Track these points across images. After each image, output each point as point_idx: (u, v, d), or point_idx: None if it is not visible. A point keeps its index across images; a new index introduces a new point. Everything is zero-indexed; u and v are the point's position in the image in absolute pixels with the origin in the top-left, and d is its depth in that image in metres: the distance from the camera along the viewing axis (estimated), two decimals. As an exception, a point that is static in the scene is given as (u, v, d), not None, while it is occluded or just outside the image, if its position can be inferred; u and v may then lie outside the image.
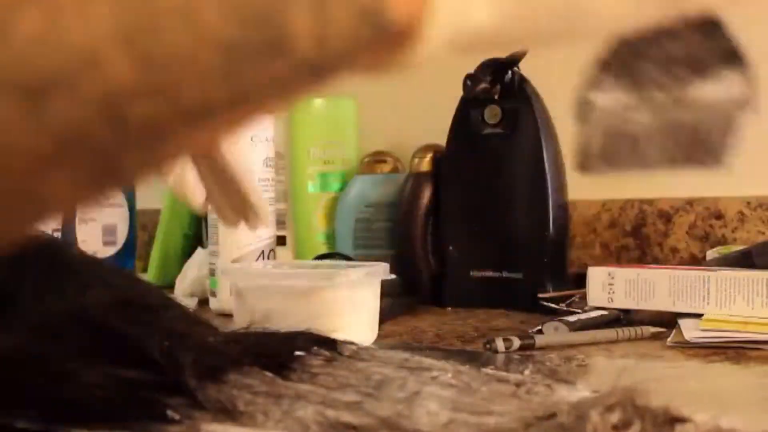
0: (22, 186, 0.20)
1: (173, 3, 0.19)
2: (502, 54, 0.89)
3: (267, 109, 0.23)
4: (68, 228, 0.94)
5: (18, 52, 0.18)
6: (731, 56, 0.26)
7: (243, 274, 0.66)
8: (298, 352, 0.51)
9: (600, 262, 1.01)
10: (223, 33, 0.20)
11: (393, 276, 0.67)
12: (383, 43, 0.22)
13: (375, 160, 1.05)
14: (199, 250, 1.01)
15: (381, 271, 0.66)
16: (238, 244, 0.87)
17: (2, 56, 0.18)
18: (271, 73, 0.21)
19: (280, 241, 1.00)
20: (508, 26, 0.24)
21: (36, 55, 0.18)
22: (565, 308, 0.79)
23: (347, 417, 0.39)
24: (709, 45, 0.26)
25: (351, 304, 0.63)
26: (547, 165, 0.88)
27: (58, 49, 0.18)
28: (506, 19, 0.23)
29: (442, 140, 0.95)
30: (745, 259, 0.77)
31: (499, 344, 0.61)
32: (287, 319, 0.56)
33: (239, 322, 0.61)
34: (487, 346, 0.61)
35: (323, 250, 1.02)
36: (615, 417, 0.34)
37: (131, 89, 0.19)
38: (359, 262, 0.70)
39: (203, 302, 0.92)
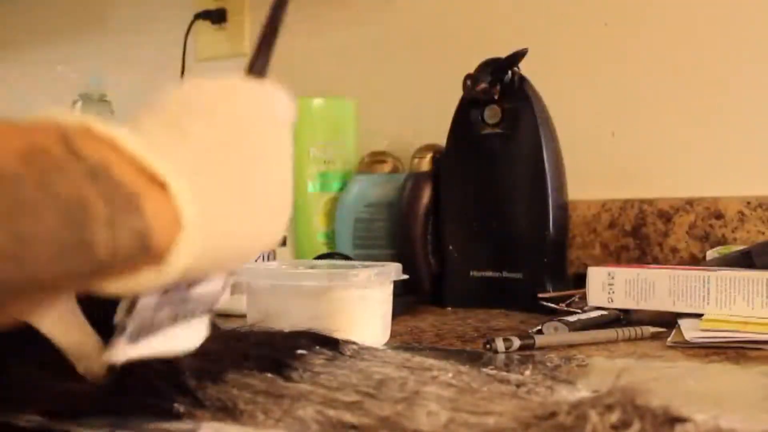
0: None
1: (29, 199, 0.28)
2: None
3: (63, 292, 0.34)
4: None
5: None
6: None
7: (256, 274, 0.66)
8: (300, 351, 0.51)
9: (600, 262, 1.02)
10: (54, 228, 0.29)
11: (406, 276, 0.67)
12: (148, 256, 0.33)
13: (375, 160, 1.05)
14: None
15: (393, 271, 0.66)
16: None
17: None
18: (78, 265, 0.30)
19: (280, 241, 1.00)
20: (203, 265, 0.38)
21: None
22: (565, 308, 0.79)
23: (347, 417, 0.39)
24: None
25: (363, 305, 0.63)
26: (547, 165, 0.88)
27: None
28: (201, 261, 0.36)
29: (442, 140, 0.95)
30: (745, 259, 0.77)
31: (499, 344, 0.61)
32: (299, 319, 0.57)
33: (251, 322, 0.61)
34: (487, 346, 0.61)
35: (323, 249, 1.02)
36: (614, 417, 0.34)
37: (3, 254, 0.27)
38: (372, 263, 0.70)
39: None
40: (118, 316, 0.38)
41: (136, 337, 0.38)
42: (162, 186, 0.33)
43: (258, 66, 0.46)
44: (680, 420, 0.35)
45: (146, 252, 0.33)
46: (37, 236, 0.28)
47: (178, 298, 0.40)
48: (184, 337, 0.41)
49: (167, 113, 0.38)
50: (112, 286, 0.34)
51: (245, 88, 0.43)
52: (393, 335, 0.68)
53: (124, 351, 0.38)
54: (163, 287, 0.38)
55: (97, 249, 0.31)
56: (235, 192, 0.38)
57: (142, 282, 0.34)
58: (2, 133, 0.30)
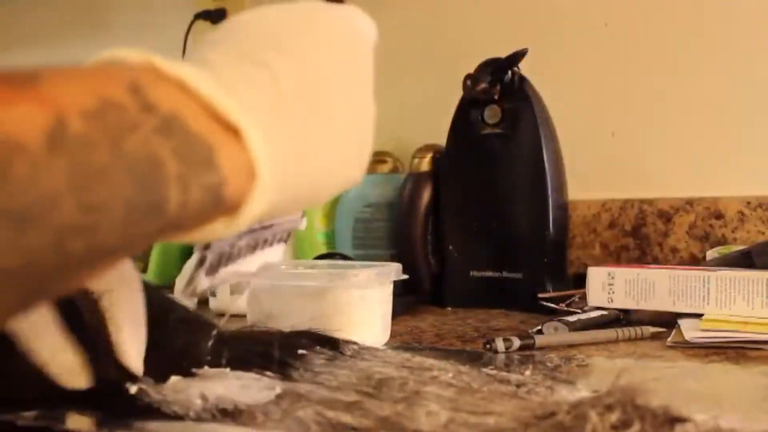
0: None
1: (101, 165, 0.26)
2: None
3: (130, 253, 0.31)
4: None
5: (11, 187, 0.24)
6: None
7: (257, 274, 0.66)
8: (300, 351, 0.51)
9: (600, 262, 1.02)
10: (128, 192, 0.27)
11: (406, 276, 0.67)
12: (222, 209, 0.32)
13: (375, 160, 1.05)
14: (199, 250, 1.01)
15: (393, 271, 0.66)
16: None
17: (4, 193, 0.24)
18: (150, 226, 0.29)
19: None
20: (281, 208, 0.36)
21: (22, 191, 0.24)
22: (565, 308, 0.79)
23: (347, 417, 0.39)
24: None
25: (363, 305, 0.63)
26: (547, 165, 0.88)
27: (33, 190, 0.24)
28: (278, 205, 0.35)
29: (442, 140, 0.95)
30: (745, 259, 0.77)
31: (499, 344, 0.61)
32: (300, 319, 0.56)
33: (252, 322, 0.61)
34: (487, 346, 0.61)
35: (323, 250, 1.02)
36: (614, 417, 0.34)
37: (75, 229, 0.26)
38: (372, 263, 0.70)
39: (203, 302, 0.92)
40: (197, 248, 0.37)
41: (215, 267, 0.38)
42: (236, 132, 0.32)
43: None
44: (680, 420, 0.35)
45: (219, 206, 0.31)
46: (109, 204, 0.26)
47: (256, 227, 0.40)
48: (256, 262, 0.41)
49: (240, 45, 0.35)
50: (183, 238, 0.32)
51: (324, 11, 0.40)
52: (393, 335, 0.68)
53: (203, 282, 0.37)
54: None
55: (170, 208, 0.29)
56: (316, 128, 0.36)
57: (214, 233, 0.33)
58: (70, 87, 0.27)
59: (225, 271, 0.39)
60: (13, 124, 0.24)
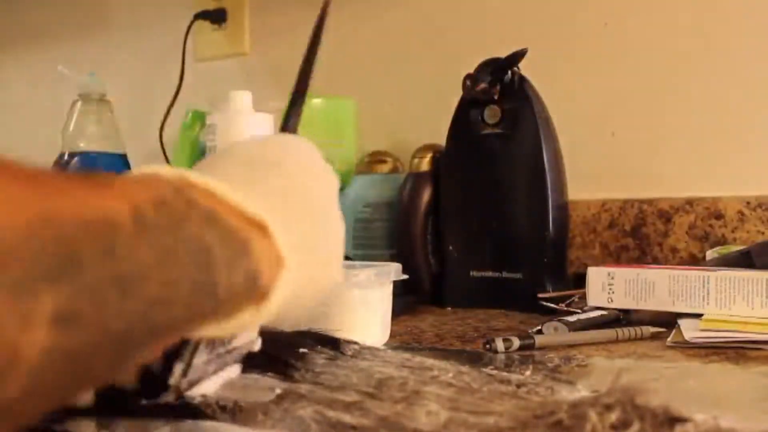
0: (99, 362, 0.28)
1: (172, 248, 0.30)
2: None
3: (186, 334, 0.35)
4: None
5: (118, 256, 0.27)
6: None
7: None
8: (301, 350, 0.51)
9: (600, 262, 1.02)
10: (191, 272, 0.31)
11: (406, 276, 0.67)
12: (255, 296, 0.36)
13: (375, 160, 1.05)
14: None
15: (393, 271, 0.66)
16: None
17: (116, 259, 0.27)
18: (206, 305, 0.33)
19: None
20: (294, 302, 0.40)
21: (125, 260, 0.28)
22: (565, 308, 0.79)
23: (347, 417, 0.39)
24: None
25: (363, 305, 0.63)
26: (546, 165, 0.88)
27: (132, 261, 0.28)
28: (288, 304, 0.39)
29: (441, 140, 0.96)
30: (745, 259, 0.77)
31: (499, 344, 0.61)
32: (299, 320, 0.56)
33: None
34: (487, 346, 0.61)
35: (323, 250, 1.02)
36: (614, 416, 0.34)
37: (158, 300, 0.29)
38: (372, 263, 0.70)
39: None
40: (175, 379, 0.40)
41: (186, 389, 0.42)
42: (262, 230, 0.36)
43: (292, 124, 0.53)
44: (680, 420, 0.35)
45: (254, 291, 0.36)
46: (179, 281, 0.30)
47: (221, 352, 0.44)
48: (216, 382, 0.44)
49: (239, 167, 0.40)
50: (220, 327, 0.36)
51: (295, 141, 0.47)
52: (393, 335, 0.68)
53: (183, 382, 0.41)
54: (213, 342, 0.42)
55: (220, 290, 0.33)
56: (313, 232, 0.41)
57: (243, 322, 0.37)
58: (133, 186, 0.31)
59: (193, 384, 0.42)
60: (109, 208, 0.28)
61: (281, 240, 0.37)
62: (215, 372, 0.44)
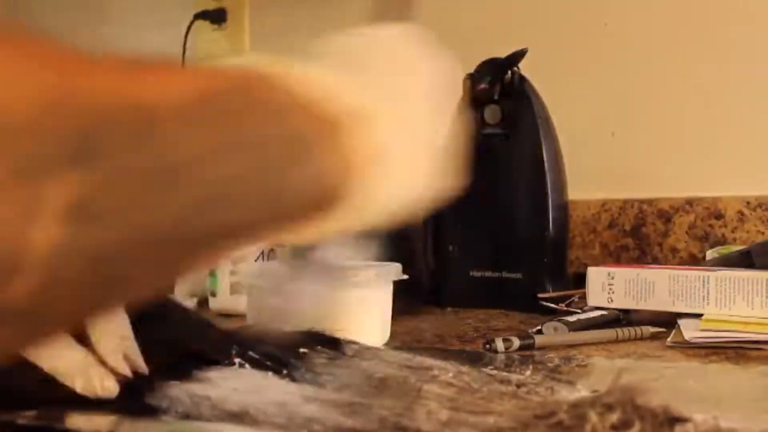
0: (135, 264, 0.25)
1: (233, 143, 0.28)
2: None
3: (252, 240, 0.32)
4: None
5: (157, 147, 0.25)
6: None
7: (256, 274, 0.66)
8: (301, 351, 0.51)
9: (599, 262, 1.02)
10: (252, 172, 0.29)
11: (406, 276, 0.67)
12: (326, 200, 0.33)
13: (375, 160, 1.05)
14: (199, 250, 1.01)
15: (393, 271, 0.66)
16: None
17: (152, 149, 0.24)
18: (271, 210, 0.31)
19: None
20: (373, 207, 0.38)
21: (168, 150, 0.25)
22: (565, 308, 0.79)
23: (348, 417, 0.39)
24: None
25: (363, 305, 0.63)
26: (546, 165, 0.88)
27: (177, 152, 0.26)
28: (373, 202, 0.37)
29: (442, 140, 0.95)
30: (745, 259, 0.77)
31: (499, 344, 0.61)
32: (300, 319, 0.57)
33: (251, 322, 0.61)
34: (487, 346, 0.61)
35: (323, 250, 1.02)
36: (614, 417, 0.34)
37: (212, 196, 0.27)
38: (372, 263, 0.70)
39: (203, 302, 0.92)
40: (245, 278, 0.38)
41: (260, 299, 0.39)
42: (338, 127, 0.33)
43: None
44: (680, 420, 0.35)
45: (325, 195, 0.33)
46: (237, 179, 0.28)
47: (304, 264, 0.41)
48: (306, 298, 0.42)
49: (332, 57, 0.37)
50: (290, 235, 0.34)
51: (399, 32, 0.44)
52: (393, 335, 0.68)
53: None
54: (299, 251, 0.39)
55: (287, 193, 0.30)
56: (403, 132, 0.38)
57: (319, 227, 0.34)
58: (181, 77, 0.29)
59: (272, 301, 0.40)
60: (145, 95, 0.25)
61: (358, 138, 0.34)
62: (301, 282, 0.42)
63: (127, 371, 0.42)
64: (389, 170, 0.36)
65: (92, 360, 0.41)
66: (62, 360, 0.39)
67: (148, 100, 0.25)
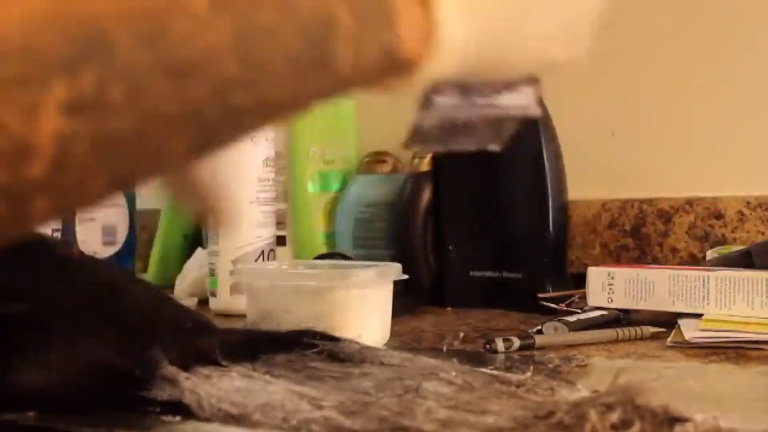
0: (153, 145, 0.26)
1: (267, 24, 0.27)
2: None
3: (303, 111, 0.31)
4: (68, 228, 0.94)
5: (171, 42, 0.25)
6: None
7: (256, 274, 0.66)
8: (301, 351, 0.51)
9: (600, 262, 1.01)
10: (294, 50, 0.28)
11: (406, 276, 0.67)
12: (395, 70, 0.32)
13: (375, 160, 1.05)
14: (199, 251, 1.01)
15: (393, 271, 0.66)
16: (238, 244, 0.87)
17: (164, 46, 0.25)
18: (317, 84, 0.29)
19: (280, 241, 1.00)
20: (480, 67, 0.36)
21: (181, 46, 0.25)
22: (565, 308, 0.79)
23: (347, 417, 0.39)
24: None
25: (363, 305, 0.63)
26: (547, 165, 0.88)
27: (195, 45, 0.25)
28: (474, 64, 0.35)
29: (442, 140, 0.95)
30: (745, 259, 0.77)
31: (499, 344, 0.61)
32: (300, 319, 0.57)
33: (252, 321, 0.61)
34: (487, 346, 0.61)
35: (323, 250, 1.02)
36: (614, 416, 0.34)
37: (235, 82, 0.27)
38: (372, 263, 0.70)
39: (203, 302, 0.92)
40: (415, 114, 0.36)
41: (435, 135, 0.38)
42: None
43: None
44: (680, 420, 0.35)
45: (394, 66, 0.31)
46: (273, 61, 0.27)
47: (483, 103, 0.38)
48: (486, 138, 0.39)
49: None
50: (354, 93, 0.33)
51: None
52: (393, 335, 0.68)
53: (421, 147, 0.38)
54: (462, 88, 0.36)
55: (338, 67, 0.29)
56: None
57: (386, 91, 0.33)
58: None
59: (448, 139, 0.38)
60: None
61: (440, 8, 0.31)
62: (471, 130, 0.38)
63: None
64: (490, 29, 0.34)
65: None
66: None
67: (157, 4, 0.25)
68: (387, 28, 0.30)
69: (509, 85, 0.39)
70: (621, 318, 0.74)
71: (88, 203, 0.28)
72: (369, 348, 0.55)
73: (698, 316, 0.69)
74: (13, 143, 0.23)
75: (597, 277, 0.75)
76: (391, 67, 0.31)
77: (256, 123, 0.30)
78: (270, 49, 0.27)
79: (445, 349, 0.59)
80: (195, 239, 1.11)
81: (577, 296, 0.82)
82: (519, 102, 0.40)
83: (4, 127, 0.22)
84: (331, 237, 1.04)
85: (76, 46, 0.23)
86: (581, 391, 0.43)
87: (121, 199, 1.02)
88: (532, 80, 0.40)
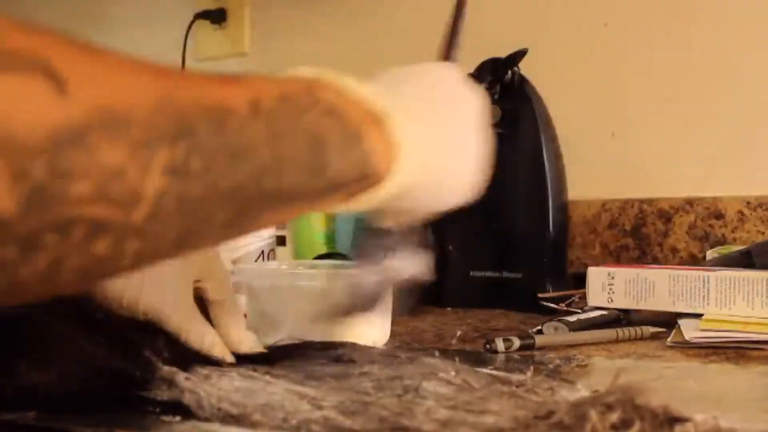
0: (206, 212, 0.33)
1: (287, 130, 0.36)
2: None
3: (304, 211, 0.40)
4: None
5: (228, 131, 0.34)
6: None
7: (256, 274, 0.66)
8: (301, 351, 0.51)
9: (600, 262, 1.02)
10: (304, 154, 0.37)
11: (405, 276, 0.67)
12: (369, 179, 0.41)
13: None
14: (199, 250, 1.01)
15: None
16: (238, 244, 0.87)
17: (225, 133, 0.33)
18: (317, 184, 0.38)
19: (280, 241, 1.00)
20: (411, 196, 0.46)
21: (235, 135, 0.34)
22: (565, 308, 0.79)
23: (347, 417, 0.39)
24: None
25: None
26: (547, 165, 0.88)
27: (242, 136, 0.34)
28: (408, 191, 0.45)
29: (442, 140, 0.95)
30: (745, 259, 0.77)
31: (500, 344, 0.61)
32: (299, 319, 0.57)
33: (251, 322, 0.61)
34: (487, 346, 0.61)
35: (323, 250, 1.02)
36: (614, 416, 0.34)
37: (269, 169, 0.35)
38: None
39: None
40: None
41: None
42: (381, 122, 0.41)
43: (450, 54, 0.60)
44: (680, 420, 0.35)
45: (367, 174, 0.41)
46: (291, 158, 0.36)
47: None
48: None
49: (380, 81, 0.46)
50: (334, 206, 0.41)
51: (443, 66, 0.55)
52: (393, 335, 0.68)
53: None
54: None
55: (331, 172, 0.38)
56: (436, 134, 0.46)
57: (358, 205, 0.42)
58: (263, 82, 0.37)
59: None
60: (227, 97, 0.34)
61: (398, 132, 0.42)
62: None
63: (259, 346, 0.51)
64: (425, 170, 0.44)
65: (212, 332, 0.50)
66: (193, 330, 0.48)
67: (229, 100, 0.34)
68: (361, 143, 0.40)
69: (407, 249, 0.50)
70: (621, 318, 0.74)
71: (158, 259, 0.33)
72: (369, 348, 0.55)
73: (698, 316, 0.69)
74: (129, 190, 0.29)
75: (597, 277, 0.75)
76: (365, 175, 0.40)
77: (273, 213, 0.37)
78: (288, 149, 0.36)
79: (437, 353, 0.59)
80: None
81: (577, 296, 0.82)
82: (413, 268, 0.51)
83: (125, 176, 0.29)
84: (331, 237, 1.04)
85: (175, 125, 0.31)
86: (581, 391, 0.43)
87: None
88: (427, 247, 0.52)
